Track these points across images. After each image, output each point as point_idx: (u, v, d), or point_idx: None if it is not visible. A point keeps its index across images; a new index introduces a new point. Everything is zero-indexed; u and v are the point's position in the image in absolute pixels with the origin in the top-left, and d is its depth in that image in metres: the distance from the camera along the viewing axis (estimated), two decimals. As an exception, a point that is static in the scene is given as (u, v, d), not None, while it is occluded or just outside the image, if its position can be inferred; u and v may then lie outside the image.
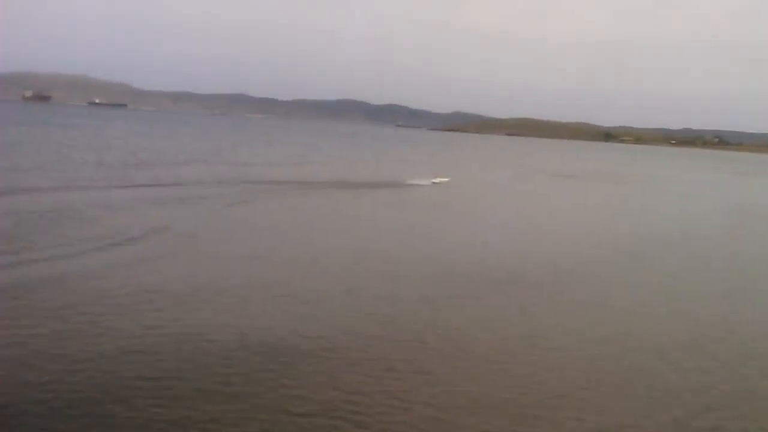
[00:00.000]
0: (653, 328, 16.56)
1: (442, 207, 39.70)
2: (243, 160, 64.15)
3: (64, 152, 56.70)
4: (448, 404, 11.25)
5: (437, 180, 52.13)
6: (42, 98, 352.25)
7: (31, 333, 13.19)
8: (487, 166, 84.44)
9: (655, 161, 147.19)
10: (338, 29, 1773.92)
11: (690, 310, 18.91)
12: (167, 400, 10.67)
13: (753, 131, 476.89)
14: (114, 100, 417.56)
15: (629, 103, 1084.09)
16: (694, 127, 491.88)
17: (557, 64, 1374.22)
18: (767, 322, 18.74)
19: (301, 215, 32.74)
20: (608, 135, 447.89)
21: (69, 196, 31.91)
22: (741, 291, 22.08)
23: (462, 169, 71.69)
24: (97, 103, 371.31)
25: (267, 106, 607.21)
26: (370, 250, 24.36)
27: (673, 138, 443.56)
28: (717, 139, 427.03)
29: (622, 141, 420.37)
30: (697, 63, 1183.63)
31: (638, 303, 19.16)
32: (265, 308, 16.16)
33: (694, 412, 11.62)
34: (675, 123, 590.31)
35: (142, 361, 12.21)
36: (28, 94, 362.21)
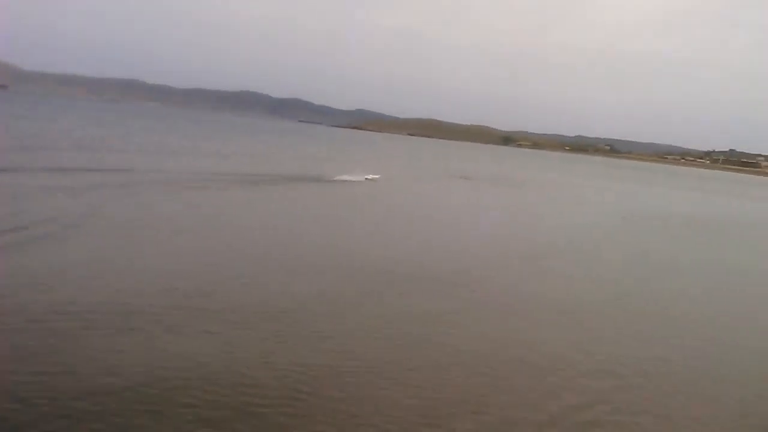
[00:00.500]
0: (541, 327, 15.73)
1: (375, 202, 39.81)
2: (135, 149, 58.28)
3: None
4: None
5: (370, 177, 52.91)
6: None
7: None
8: (407, 165, 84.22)
9: (553, 166, 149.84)
10: (237, 15, 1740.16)
11: (582, 310, 17.80)
12: None
13: (641, 141, 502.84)
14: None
15: (527, 109, 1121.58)
16: (587, 135, 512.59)
17: (459, 67, 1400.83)
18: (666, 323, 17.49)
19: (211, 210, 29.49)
20: (507, 139, 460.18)
21: None
22: (628, 291, 21.02)
23: (385, 167, 68.68)
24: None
25: (162, 93, 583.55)
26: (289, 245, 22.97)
27: (568, 144, 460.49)
28: (608, 147, 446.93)
29: (520, 145, 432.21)
30: (591, 73, 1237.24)
31: (529, 303, 18.02)
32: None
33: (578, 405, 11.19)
34: (570, 130, 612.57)
35: None
36: None
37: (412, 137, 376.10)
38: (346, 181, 49.33)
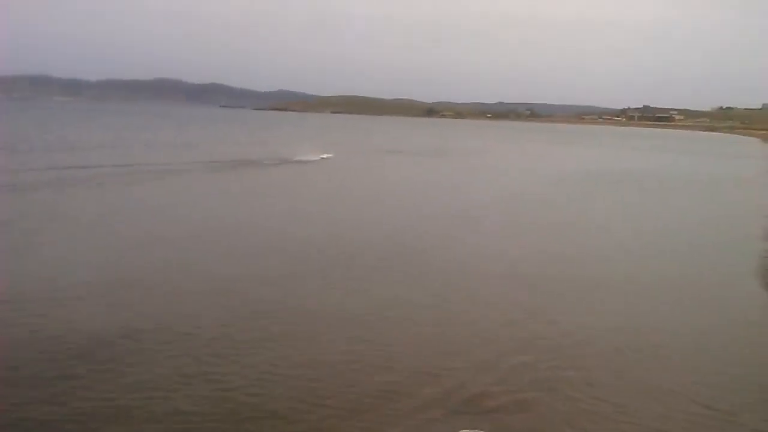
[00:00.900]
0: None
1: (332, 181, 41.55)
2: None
3: None
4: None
5: (325, 156, 55.21)
6: None
7: None
8: (350, 142, 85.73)
9: (482, 134, 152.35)
10: (149, 4, 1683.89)
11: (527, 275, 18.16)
12: None
13: (560, 103, 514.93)
14: None
15: (449, 79, 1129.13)
16: (507, 101, 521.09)
17: (377, 39, 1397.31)
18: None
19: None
20: (430, 110, 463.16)
21: None
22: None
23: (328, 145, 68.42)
24: None
25: (74, 88, 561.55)
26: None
27: (489, 112, 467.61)
28: (529, 112, 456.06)
29: (443, 116, 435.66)
30: (508, 40, 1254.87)
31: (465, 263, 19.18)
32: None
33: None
34: (490, 98, 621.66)
35: None
36: None
37: (338, 114, 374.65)
38: (306, 161, 51.37)
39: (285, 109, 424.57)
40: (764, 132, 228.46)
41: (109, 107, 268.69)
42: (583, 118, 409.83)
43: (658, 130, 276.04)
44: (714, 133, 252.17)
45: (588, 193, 40.23)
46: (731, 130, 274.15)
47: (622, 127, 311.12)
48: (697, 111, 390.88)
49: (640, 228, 27.52)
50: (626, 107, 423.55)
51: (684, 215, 32.52)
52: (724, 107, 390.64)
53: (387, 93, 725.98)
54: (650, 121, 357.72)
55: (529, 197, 36.52)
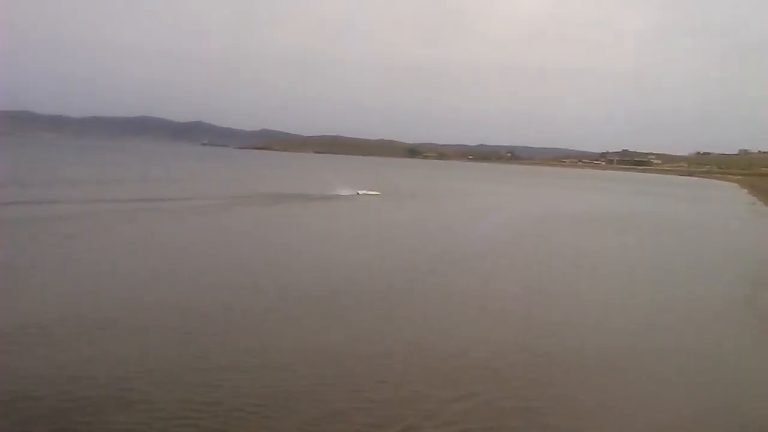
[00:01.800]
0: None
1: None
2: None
3: None
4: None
5: (371, 192, 61.56)
6: None
7: None
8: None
9: (473, 175, 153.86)
10: (133, 43, 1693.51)
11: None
12: None
13: (540, 146, 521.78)
14: None
15: (431, 120, 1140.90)
16: (488, 144, 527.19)
17: (358, 81, 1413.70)
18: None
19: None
20: (413, 151, 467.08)
21: None
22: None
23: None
24: None
25: (58, 124, 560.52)
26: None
27: (471, 153, 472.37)
28: (510, 154, 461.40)
29: (426, 157, 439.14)
30: (490, 84, 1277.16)
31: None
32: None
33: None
34: (472, 140, 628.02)
35: None
36: None
37: (319, 155, 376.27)
38: (343, 195, 57.50)
39: (268, 149, 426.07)
40: (740, 177, 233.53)
41: (96, 144, 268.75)
42: (563, 161, 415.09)
43: (637, 174, 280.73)
44: (692, 177, 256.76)
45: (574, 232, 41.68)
46: (708, 174, 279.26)
47: (602, 171, 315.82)
48: (675, 155, 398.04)
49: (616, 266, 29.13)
50: (605, 151, 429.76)
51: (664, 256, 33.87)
52: (701, 152, 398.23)
53: (369, 133, 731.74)
54: (629, 164, 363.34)
55: (528, 239, 37.72)
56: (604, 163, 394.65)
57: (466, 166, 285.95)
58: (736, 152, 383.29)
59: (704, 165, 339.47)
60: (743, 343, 17.67)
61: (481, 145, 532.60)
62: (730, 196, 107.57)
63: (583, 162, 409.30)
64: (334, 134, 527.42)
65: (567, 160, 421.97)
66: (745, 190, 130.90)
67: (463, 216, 51.02)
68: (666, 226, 50.95)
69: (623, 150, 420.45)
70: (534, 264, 28.28)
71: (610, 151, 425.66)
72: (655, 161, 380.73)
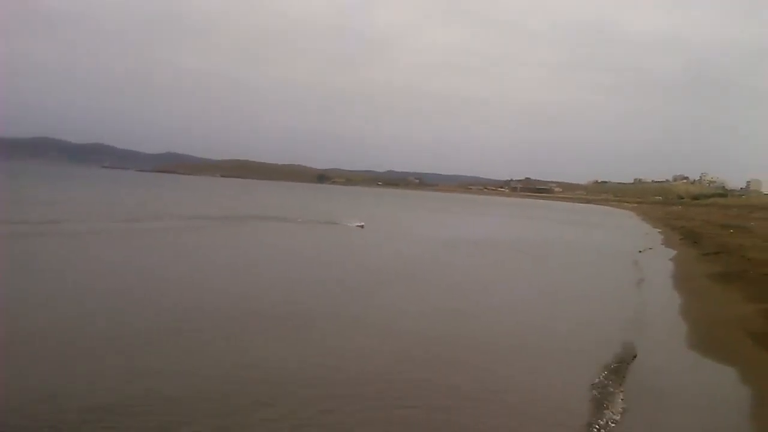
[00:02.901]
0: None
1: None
2: None
3: None
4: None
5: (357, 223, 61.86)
6: None
7: None
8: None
9: (378, 202, 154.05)
10: (29, 59, 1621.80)
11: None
12: None
13: (447, 173, 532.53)
14: None
15: (338, 146, 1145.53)
16: (397, 170, 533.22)
17: (267, 105, 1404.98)
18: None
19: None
20: (321, 176, 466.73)
21: None
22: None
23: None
24: None
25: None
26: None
27: (380, 179, 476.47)
28: (418, 181, 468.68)
29: (334, 182, 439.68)
30: (398, 110, 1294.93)
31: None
32: None
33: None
34: (380, 166, 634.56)
35: None
36: None
37: (226, 179, 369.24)
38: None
39: (172, 172, 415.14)
40: (635, 204, 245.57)
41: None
42: (470, 188, 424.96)
43: (540, 201, 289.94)
44: (590, 204, 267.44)
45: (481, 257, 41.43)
46: (606, 202, 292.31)
47: (506, 198, 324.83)
48: (574, 184, 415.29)
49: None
50: (509, 179, 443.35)
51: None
52: (599, 181, 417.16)
53: (278, 158, 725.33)
54: (532, 192, 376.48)
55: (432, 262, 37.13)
56: (507, 190, 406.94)
57: (378, 192, 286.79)
58: (631, 181, 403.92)
59: (602, 193, 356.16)
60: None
61: (390, 171, 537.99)
62: (630, 224, 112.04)
63: (489, 189, 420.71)
64: (242, 158, 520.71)
65: (473, 187, 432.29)
66: (640, 218, 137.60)
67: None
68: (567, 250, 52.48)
69: (526, 178, 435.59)
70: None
71: (514, 178, 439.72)
72: (556, 189, 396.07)
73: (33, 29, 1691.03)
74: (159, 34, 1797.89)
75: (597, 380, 15.19)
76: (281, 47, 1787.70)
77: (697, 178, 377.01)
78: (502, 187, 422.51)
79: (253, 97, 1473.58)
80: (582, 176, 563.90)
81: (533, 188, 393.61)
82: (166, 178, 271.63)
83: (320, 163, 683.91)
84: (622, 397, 14.22)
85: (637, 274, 37.22)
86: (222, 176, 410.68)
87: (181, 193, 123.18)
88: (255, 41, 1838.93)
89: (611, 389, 14.64)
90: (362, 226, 60.84)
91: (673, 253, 51.16)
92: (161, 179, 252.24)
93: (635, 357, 17.79)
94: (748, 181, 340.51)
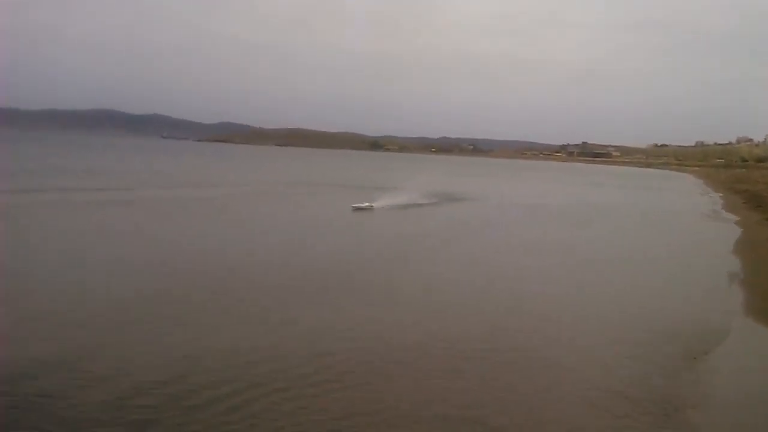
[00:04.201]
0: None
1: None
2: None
3: None
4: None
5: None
6: None
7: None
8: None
9: (455, 170, 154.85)
10: (86, 34, 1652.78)
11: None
12: None
13: (501, 138, 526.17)
14: None
15: (392, 113, 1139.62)
16: (450, 136, 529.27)
17: (319, 74, 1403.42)
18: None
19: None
20: (375, 144, 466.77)
21: None
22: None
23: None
24: None
25: (9, 117, 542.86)
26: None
27: (433, 146, 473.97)
28: (472, 147, 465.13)
29: (388, 150, 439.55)
30: (450, 76, 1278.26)
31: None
32: None
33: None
34: (434, 132, 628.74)
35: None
36: None
37: (282, 147, 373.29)
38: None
39: (228, 141, 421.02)
40: (697, 168, 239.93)
41: (57, 137, 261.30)
42: (525, 154, 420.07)
43: (600, 165, 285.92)
44: (650, 168, 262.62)
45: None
46: (667, 165, 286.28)
47: (562, 163, 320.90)
48: (633, 147, 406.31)
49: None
50: (566, 143, 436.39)
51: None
52: (659, 144, 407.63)
53: (331, 125, 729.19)
54: (589, 156, 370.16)
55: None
56: (564, 155, 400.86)
57: (434, 159, 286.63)
58: (692, 144, 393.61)
59: (662, 157, 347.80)
60: None
61: (443, 137, 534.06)
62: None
63: (544, 154, 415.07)
64: (295, 127, 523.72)
65: (528, 152, 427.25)
66: (702, 181, 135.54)
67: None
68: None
69: (583, 142, 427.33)
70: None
71: (570, 143, 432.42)
72: (615, 153, 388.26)
73: (93, 5, 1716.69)
74: (212, 6, 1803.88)
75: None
76: (326, 16, 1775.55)
77: (762, 139, 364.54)
78: (558, 152, 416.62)
79: (305, 65, 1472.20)
80: (641, 139, 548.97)
81: (590, 153, 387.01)
82: (225, 147, 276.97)
83: (373, 130, 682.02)
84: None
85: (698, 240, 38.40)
86: (276, 145, 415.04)
87: (252, 163, 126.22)
88: (298, 12, 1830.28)
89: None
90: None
91: (735, 218, 51.31)
92: (221, 148, 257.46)
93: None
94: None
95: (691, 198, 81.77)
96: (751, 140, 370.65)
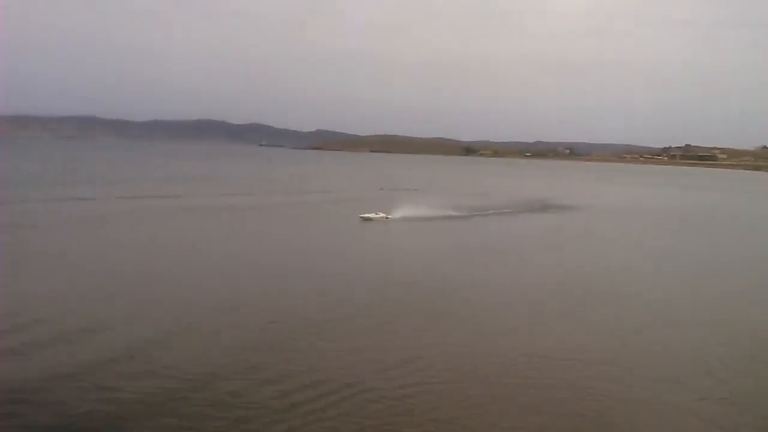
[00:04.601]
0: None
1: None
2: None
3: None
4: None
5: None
6: None
7: None
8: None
9: (561, 176, 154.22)
10: (188, 47, 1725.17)
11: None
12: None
13: (598, 142, 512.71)
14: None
15: (484, 117, 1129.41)
16: (545, 140, 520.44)
17: (411, 81, 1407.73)
18: None
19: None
20: (468, 149, 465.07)
21: None
22: None
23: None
24: None
25: (120, 127, 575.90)
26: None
27: (528, 150, 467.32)
28: (568, 151, 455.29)
29: (482, 155, 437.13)
30: (545, 79, 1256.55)
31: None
32: None
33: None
34: (528, 136, 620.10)
35: None
36: None
37: (377, 154, 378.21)
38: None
39: (323, 148, 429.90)
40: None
41: (163, 147, 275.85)
42: (624, 157, 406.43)
43: (707, 169, 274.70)
44: (759, 172, 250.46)
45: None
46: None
47: (666, 166, 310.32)
48: (740, 150, 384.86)
49: None
50: (668, 146, 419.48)
51: None
52: (767, 146, 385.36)
53: (422, 131, 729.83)
54: (692, 160, 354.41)
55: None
56: (666, 158, 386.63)
57: (531, 164, 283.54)
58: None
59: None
60: None
61: (538, 141, 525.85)
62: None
63: (644, 157, 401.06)
64: (388, 133, 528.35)
65: (628, 156, 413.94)
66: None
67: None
68: None
69: (686, 145, 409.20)
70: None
71: (672, 146, 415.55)
72: (720, 156, 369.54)
73: (195, 20, 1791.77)
74: (306, 18, 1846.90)
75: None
76: (418, 22, 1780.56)
77: None
78: (659, 155, 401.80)
79: (398, 73, 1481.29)
80: (748, 141, 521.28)
81: (694, 155, 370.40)
82: (324, 155, 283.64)
83: (465, 135, 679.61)
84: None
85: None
86: (371, 151, 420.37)
87: (354, 168, 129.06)
88: (393, 19, 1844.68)
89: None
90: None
91: None
92: (319, 156, 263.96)
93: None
94: None
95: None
96: None
